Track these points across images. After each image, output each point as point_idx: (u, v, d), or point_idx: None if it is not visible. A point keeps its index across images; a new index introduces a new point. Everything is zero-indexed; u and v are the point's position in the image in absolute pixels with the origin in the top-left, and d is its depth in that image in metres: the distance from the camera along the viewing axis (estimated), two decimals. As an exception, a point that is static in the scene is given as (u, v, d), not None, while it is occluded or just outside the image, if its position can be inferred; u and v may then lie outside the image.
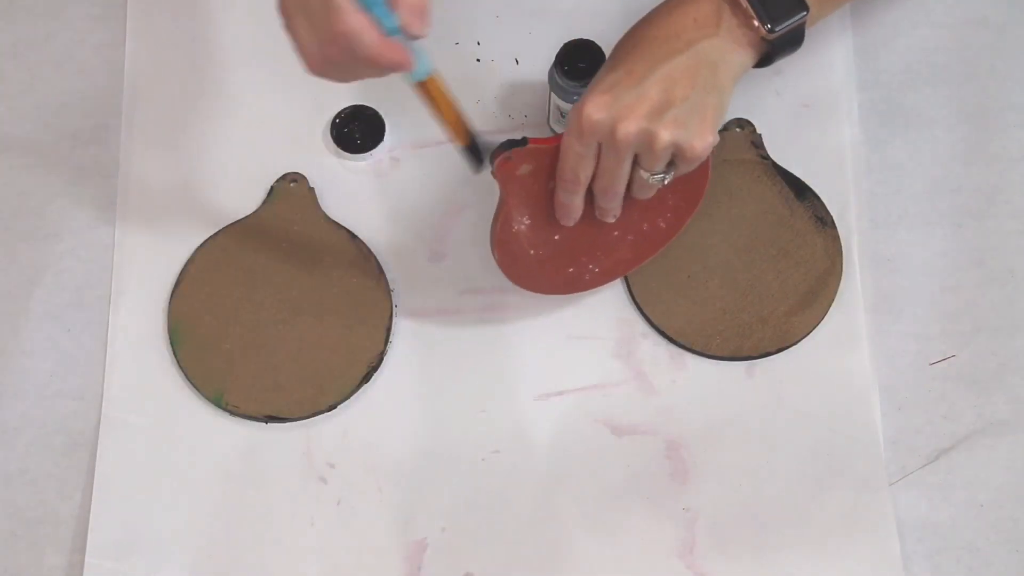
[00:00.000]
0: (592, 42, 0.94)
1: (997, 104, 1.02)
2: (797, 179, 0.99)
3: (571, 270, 0.92)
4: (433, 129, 1.01)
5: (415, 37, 0.73)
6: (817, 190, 0.99)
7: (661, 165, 0.81)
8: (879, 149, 1.01)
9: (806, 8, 0.82)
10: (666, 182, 0.84)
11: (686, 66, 0.80)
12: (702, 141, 0.80)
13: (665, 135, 0.79)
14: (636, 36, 0.83)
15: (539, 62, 1.00)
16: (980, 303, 0.97)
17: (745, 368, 0.95)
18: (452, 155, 1.00)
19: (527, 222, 0.88)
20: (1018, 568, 0.91)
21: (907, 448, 0.94)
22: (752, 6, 0.81)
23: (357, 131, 0.99)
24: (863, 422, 0.94)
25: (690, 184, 0.89)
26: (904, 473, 0.93)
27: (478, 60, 1.03)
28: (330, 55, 0.73)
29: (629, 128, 0.79)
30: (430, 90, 0.79)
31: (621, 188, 0.84)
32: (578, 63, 0.93)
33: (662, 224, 0.92)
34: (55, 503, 0.92)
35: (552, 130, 1.00)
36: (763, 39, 0.82)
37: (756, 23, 0.81)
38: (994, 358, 0.96)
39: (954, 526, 0.92)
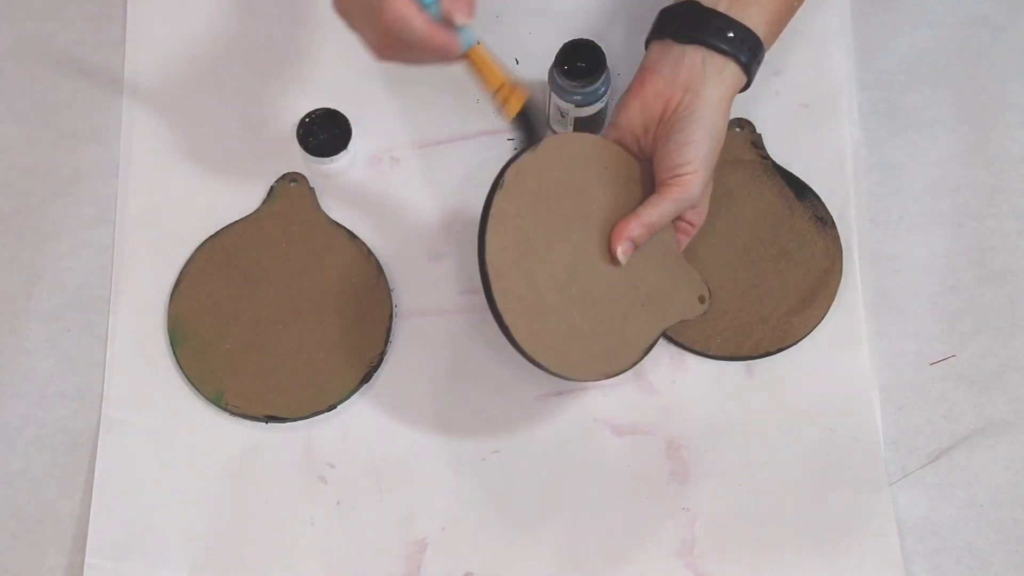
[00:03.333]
0: (592, 42, 0.94)
1: (997, 104, 1.02)
2: (797, 179, 0.99)
3: None
4: (432, 129, 1.02)
5: (459, 24, 0.78)
6: (817, 190, 0.99)
7: None
8: (879, 149, 1.01)
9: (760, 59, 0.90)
10: None
11: None
12: None
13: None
14: (698, 100, 0.87)
15: (539, 62, 1.00)
16: (980, 303, 0.97)
17: (745, 368, 0.95)
18: (452, 155, 1.01)
19: None
20: (1018, 568, 0.91)
21: (907, 448, 0.93)
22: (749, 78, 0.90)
23: (323, 135, 0.99)
24: (863, 422, 0.94)
25: None
26: (904, 473, 0.93)
27: (478, 60, 1.03)
28: (388, 43, 0.79)
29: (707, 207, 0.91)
30: (473, 60, 0.81)
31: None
32: (578, 63, 0.93)
33: None
34: (55, 503, 0.92)
35: (552, 130, 1.00)
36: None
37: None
38: (994, 358, 0.96)
39: (954, 526, 0.92)
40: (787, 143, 1.00)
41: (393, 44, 0.79)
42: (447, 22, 0.78)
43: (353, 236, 0.97)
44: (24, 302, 0.97)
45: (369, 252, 0.97)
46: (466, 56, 0.81)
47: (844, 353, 0.95)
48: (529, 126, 0.85)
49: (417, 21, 0.77)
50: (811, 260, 0.97)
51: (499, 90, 0.83)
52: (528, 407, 0.94)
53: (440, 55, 0.79)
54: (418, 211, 0.99)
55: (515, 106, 0.84)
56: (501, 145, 1.01)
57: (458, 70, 1.03)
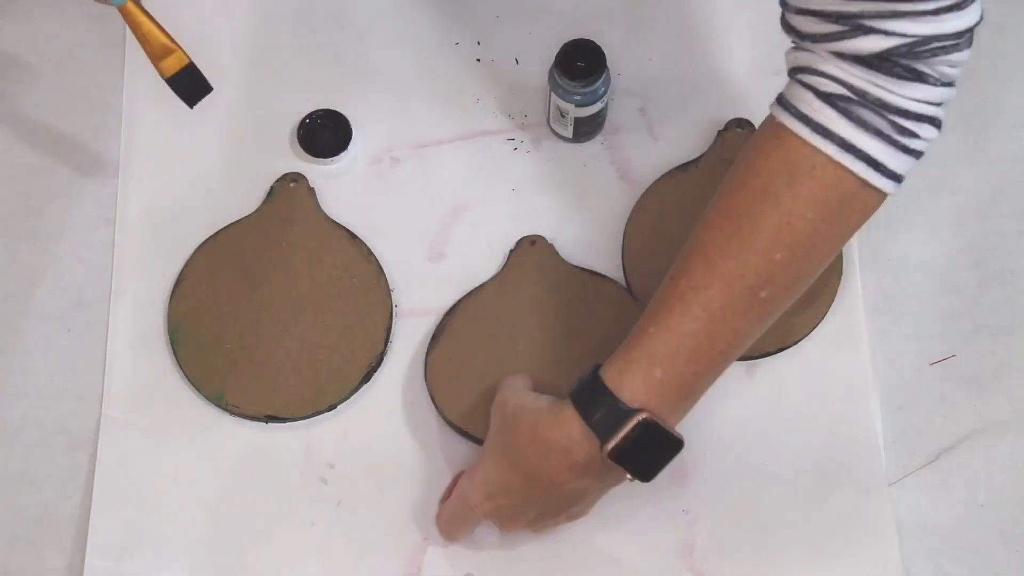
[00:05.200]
0: (592, 42, 0.94)
1: (997, 104, 1.02)
2: (797, 179, 0.99)
3: None
4: (432, 129, 1.02)
5: None
6: (817, 190, 0.98)
7: None
8: (879, 149, 1.01)
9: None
10: None
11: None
12: None
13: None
14: (523, 460, 0.82)
15: (539, 62, 1.00)
16: (980, 303, 0.97)
17: (745, 368, 0.95)
18: (452, 155, 1.01)
19: None
20: (1018, 568, 0.91)
21: (907, 448, 0.93)
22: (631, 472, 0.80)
23: (323, 135, 0.99)
24: (863, 422, 0.94)
25: None
26: (904, 473, 0.93)
27: (478, 60, 1.03)
28: None
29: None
30: (128, 16, 0.83)
31: None
32: (578, 63, 0.93)
33: None
34: (55, 503, 0.92)
35: (552, 129, 1.00)
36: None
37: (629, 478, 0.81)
38: (994, 358, 0.96)
39: (954, 526, 0.92)
40: (787, 143, 1.00)
41: None
42: None
43: (353, 236, 0.97)
44: (24, 302, 0.97)
45: (369, 252, 0.97)
46: (123, 12, 0.82)
47: (844, 353, 0.95)
48: (188, 91, 0.85)
49: None
50: (811, 260, 0.97)
51: (155, 50, 0.84)
52: (528, 407, 0.94)
53: None
54: (418, 211, 0.99)
55: (171, 67, 0.84)
56: (501, 145, 1.01)
57: (457, 72, 1.03)
